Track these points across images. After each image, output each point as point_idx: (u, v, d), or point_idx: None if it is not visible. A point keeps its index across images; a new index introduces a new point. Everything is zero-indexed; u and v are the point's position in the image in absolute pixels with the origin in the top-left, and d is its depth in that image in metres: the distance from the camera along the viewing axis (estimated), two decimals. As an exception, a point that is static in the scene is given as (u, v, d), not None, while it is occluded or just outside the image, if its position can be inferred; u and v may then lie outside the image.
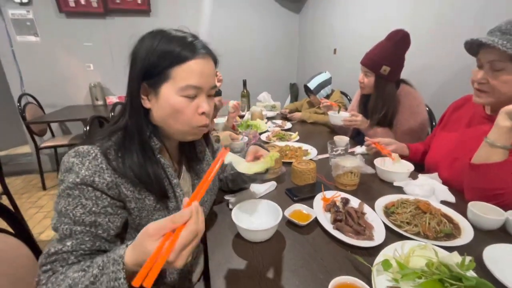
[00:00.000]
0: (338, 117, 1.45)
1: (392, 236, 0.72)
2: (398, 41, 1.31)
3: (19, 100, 2.63)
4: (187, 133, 0.64)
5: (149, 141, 0.62)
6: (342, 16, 2.73)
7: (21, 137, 3.24)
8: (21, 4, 2.77)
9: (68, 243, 0.51)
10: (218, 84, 2.02)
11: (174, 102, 0.59)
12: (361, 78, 1.43)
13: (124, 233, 0.62)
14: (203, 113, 0.62)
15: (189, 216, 0.41)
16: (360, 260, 0.60)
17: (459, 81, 1.57)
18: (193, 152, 0.78)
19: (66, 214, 0.52)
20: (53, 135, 3.02)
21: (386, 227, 0.73)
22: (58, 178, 0.56)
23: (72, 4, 2.82)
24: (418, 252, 0.57)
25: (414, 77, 1.48)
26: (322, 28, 3.15)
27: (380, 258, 0.60)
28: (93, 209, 0.53)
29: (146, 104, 0.61)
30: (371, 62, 1.36)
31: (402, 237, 0.70)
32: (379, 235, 0.70)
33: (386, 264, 0.56)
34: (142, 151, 0.60)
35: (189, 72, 0.58)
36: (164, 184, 0.63)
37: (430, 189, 0.90)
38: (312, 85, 2.05)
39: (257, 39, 3.65)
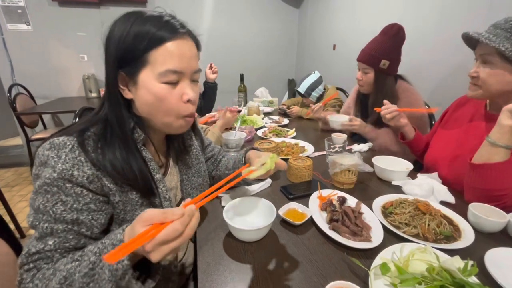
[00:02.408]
0: (336, 122, 1.41)
1: (390, 237, 0.69)
2: (395, 35, 1.29)
3: (9, 90, 2.56)
4: (173, 124, 0.59)
5: (132, 133, 0.57)
6: (343, 11, 2.68)
7: (13, 129, 3.17)
8: (12, -10, 2.67)
9: (50, 242, 0.49)
10: (213, 76, 1.97)
11: (155, 90, 0.53)
12: (359, 76, 1.39)
13: (110, 228, 0.59)
14: (188, 101, 0.57)
15: (179, 215, 0.40)
16: (357, 263, 0.57)
17: (459, 78, 1.54)
18: (182, 144, 0.73)
19: (45, 211, 0.48)
20: (45, 127, 2.95)
21: (384, 228, 0.71)
22: (32, 172, 0.52)
23: (65, -9, 2.74)
24: (418, 256, 0.54)
25: (411, 74, 1.45)
26: (322, 23, 3.10)
27: (377, 261, 0.57)
28: (74, 206, 0.50)
29: (127, 95, 0.56)
30: (369, 57, 1.32)
31: (400, 239, 0.67)
32: (377, 237, 0.67)
33: (384, 268, 0.53)
34: (124, 143, 0.55)
35: (167, 55, 0.52)
36: (148, 179, 0.58)
37: (429, 189, 0.88)
38: (302, 89, 2.03)
39: (255, 33, 3.59)
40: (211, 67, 1.97)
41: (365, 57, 1.35)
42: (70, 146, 0.50)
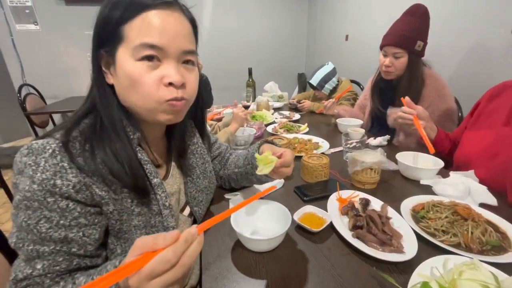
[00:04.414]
0: (346, 125, 1.30)
1: (425, 247, 0.59)
2: (422, 15, 1.17)
3: (19, 91, 2.57)
4: (155, 110, 0.49)
5: (125, 129, 0.50)
6: (356, 1, 2.54)
7: (24, 130, 3.21)
8: (20, -9, 2.68)
9: (39, 266, 0.42)
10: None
11: (129, 69, 0.45)
12: (388, 62, 1.23)
13: (106, 241, 0.51)
14: (170, 84, 0.47)
15: (171, 241, 0.33)
16: (390, 281, 0.48)
17: (487, 66, 1.40)
18: (183, 144, 0.65)
19: (28, 230, 0.42)
20: (55, 127, 2.96)
21: (417, 235, 0.61)
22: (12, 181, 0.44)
23: (71, -10, 2.72)
24: (467, 274, 0.44)
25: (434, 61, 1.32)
26: (333, 14, 2.96)
27: (415, 278, 0.47)
28: (61, 222, 0.43)
29: (109, 79, 0.48)
30: (404, 39, 1.18)
31: (438, 249, 0.57)
32: (410, 247, 0.57)
33: (425, 289, 0.44)
34: (117, 140, 0.48)
35: (144, 26, 0.44)
36: (144, 184, 0.51)
37: (465, 189, 0.77)
38: (314, 81, 1.93)
39: (263, 26, 3.48)
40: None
41: (397, 40, 1.20)
42: (50, 151, 0.42)
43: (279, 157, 0.64)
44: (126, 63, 0.45)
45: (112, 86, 0.49)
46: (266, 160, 0.63)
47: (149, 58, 0.45)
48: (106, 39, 0.46)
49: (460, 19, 1.53)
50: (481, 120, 0.97)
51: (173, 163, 0.64)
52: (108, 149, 0.46)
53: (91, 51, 0.48)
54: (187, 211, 0.67)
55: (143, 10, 0.44)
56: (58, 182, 0.42)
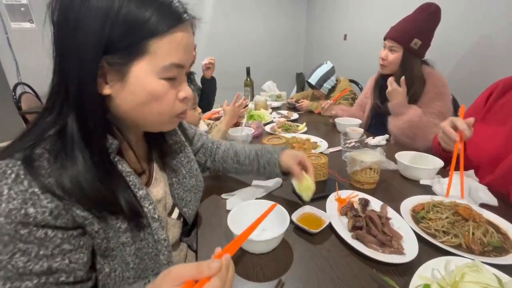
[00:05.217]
0: (344, 125, 1.30)
1: (426, 248, 0.58)
2: (431, 14, 1.17)
3: (15, 89, 2.53)
4: (164, 123, 0.49)
5: (101, 140, 0.43)
6: (354, 0, 2.53)
7: (20, 129, 3.17)
8: (15, -12, 2.64)
9: None
10: (209, 72, 1.75)
11: (153, 87, 0.42)
12: (384, 55, 1.26)
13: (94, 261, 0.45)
14: (184, 98, 0.47)
15: (217, 270, 0.33)
16: (391, 283, 0.47)
17: (486, 64, 1.40)
18: (164, 144, 0.61)
19: (1, 267, 0.35)
20: (51, 126, 2.93)
21: (417, 236, 0.60)
22: None
23: (67, -12, 2.68)
24: (470, 276, 0.43)
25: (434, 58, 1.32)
26: (332, 13, 2.95)
27: (416, 280, 0.46)
28: (41, 253, 0.37)
29: (105, 90, 0.42)
30: (400, 34, 1.20)
31: (439, 250, 0.56)
32: (410, 248, 0.56)
33: (427, 291, 0.42)
34: (91, 155, 0.41)
35: (174, 46, 0.42)
36: (130, 201, 0.45)
37: (466, 189, 0.76)
38: (313, 80, 1.93)
39: (261, 26, 3.47)
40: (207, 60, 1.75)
41: (395, 34, 1.22)
42: (13, 176, 0.36)
43: (305, 168, 0.70)
44: (148, 80, 0.42)
45: (102, 96, 0.42)
46: (307, 187, 0.66)
47: (173, 76, 0.44)
48: (117, 50, 0.39)
49: (463, 15, 1.53)
50: (492, 115, 0.90)
51: (155, 165, 0.60)
52: (81, 167, 0.40)
53: (75, 52, 0.39)
54: (175, 213, 0.63)
55: (170, 30, 0.41)
56: (31, 210, 0.36)
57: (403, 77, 1.13)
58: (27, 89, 2.77)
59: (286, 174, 0.73)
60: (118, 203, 0.43)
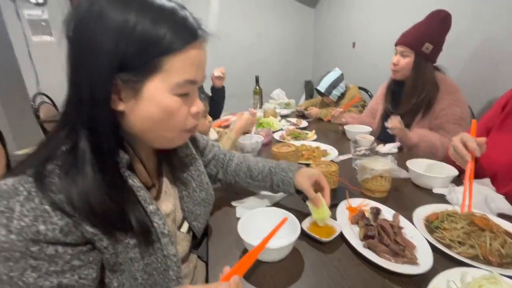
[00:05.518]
0: (354, 133, 1.30)
1: (440, 259, 0.56)
2: (442, 20, 1.19)
3: (34, 99, 2.65)
4: (175, 139, 0.49)
5: (113, 156, 0.44)
6: (362, 8, 2.55)
7: (38, 137, 3.29)
8: (37, 4, 2.80)
9: None
10: (219, 82, 1.76)
11: (166, 104, 0.43)
12: (396, 60, 1.27)
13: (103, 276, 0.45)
14: (196, 113, 0.48)
15: None
16: (404, 294, 0.46)
17: (499, 72, 1.37)
18: (175, 157, 0.61)
19: (11, 283, 0.36)
20: (67, 134, 3.03)
21: (431, 247, 0.58)
22: None
23: (85, 2, 2.82)
24: (487, 289, 0.42)
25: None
26: (340, 21, 2.97)
27: (431, 292, 0.45)
28: (51, 269, 0.37)
29: (118, 106, 0.42)
30: (412, 39, 1.22)
31: (454, 261, 0.55)
32: (424, 258, 0.55)
33: (442, 303, 0.41)
34: (102, 170, 0.41)
35: (187, 63, 0.42)
36: (139, 215, 0.45)
37: (482, 199, 0.74)
38: (322, 87, 1.93)
39: (270, 35, 3.52)
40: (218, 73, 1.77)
41: (406, 39, 1.24)
42: (25, 193, 0.36)
43: (320, 188, 0.69)
44: (162, 97, 0.42)
45: (113, 111, 0.43)
46: (323, 214, 0.65)
47: (187, 92, 0.45)
48: (132, 68, 0.40)
49: (468, 18, 1.52)
50: (509, 123, 0.87)
51: (165, 178, 0.59)
52: (91, 183, 0.40)
53: (88, 70, 0.39)
54: (185, 227, 0.62)
55: (185, 47, 0.41)
56: (42, 228, 0.36)
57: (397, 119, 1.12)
58: (46, 99, 2.89)
59: (301, 192, 0.71)
60: (127, 219, 0.43)
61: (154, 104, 0.42)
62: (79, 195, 0.38)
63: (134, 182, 0.46)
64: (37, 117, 2.54)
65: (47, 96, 2.90)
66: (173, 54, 0.41)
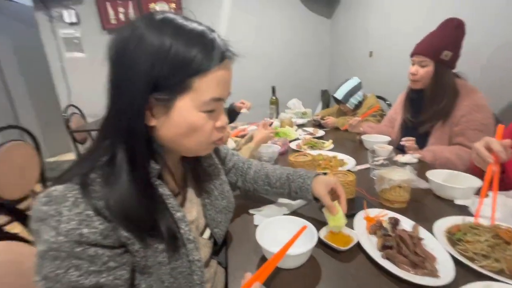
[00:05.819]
0: (371, 142, 1.30)
1: (463, 272, 0.55)
2: (456, 27, 1.18)
3: (65, 111, 2.86)
4: (201, 150, 0.54)
5: (145, 166, 0.47)
6: (379, 17, 2.55)
7: (66, 145, 3.52)
8: (71, 24, 3.05)
9: None
10: (244, 110, 1.86)
11: (193, 119, 0.47)
12: (414, 70, 1.26)
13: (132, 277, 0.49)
14: (221, 127, 0.52)
15: None
16: (424, 306, 0.46)
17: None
18: (199, 167, 0.65)
19: (57, 280, 0.40)
20: (93, 143, 3.22)
21: (453, 259, 0.57)
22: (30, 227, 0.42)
23: (113, 21, 3.05)
24: (512, 303, 0.41)
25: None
26: (356, 31, 2.98)
27: (452, 305, 0.44)
28: (91, 268, 0.41)
29: (151, 121, 0.46)
30: (430, 48, 1.21)
31: (477, 275, 0.54)
32: (446, 271, 0.54)
33: (463, 316, 0.41)
34: (136, 179, 0.45)
35: (215, 82, 0.46)
36: (168, 222, 0.49)
37: (509, 211, 0.71)
38: (339, 95, 1.93)
39: (286, 46, 3.58)
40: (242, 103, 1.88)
41: (423, 48, 1.23)
42: (72, 199, 0.41)
43: (337, 196, 0.70)
44: (190, 114, 0.46)
45: (146, 126, 0.47)
46: (338, 222, 0.66)
47: (213, 109, 0.48)
48: (162, 89, 0.43)
49: (485, 25, 1.48)
50: None
51: (189, 188, 0.63)
52: (127, 189, 0.44)
53: (126, 91, 0.43)
54: (207, 233, 0.65)
55: (212, 68, 0.44)
56: (85, 231, 0.40)
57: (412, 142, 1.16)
58: (76, 110, 3.10)
59: (318, 200, 0.72)
60: (157, 225, 0.47)
61: (182, 120, 0.46)
62: (116, 202, 0.42)
63: (163, 190, 0.49)
64: (68, 127, 2.72)
65: (77, 107, 3.11)
66: (202, 74, 0.44)
